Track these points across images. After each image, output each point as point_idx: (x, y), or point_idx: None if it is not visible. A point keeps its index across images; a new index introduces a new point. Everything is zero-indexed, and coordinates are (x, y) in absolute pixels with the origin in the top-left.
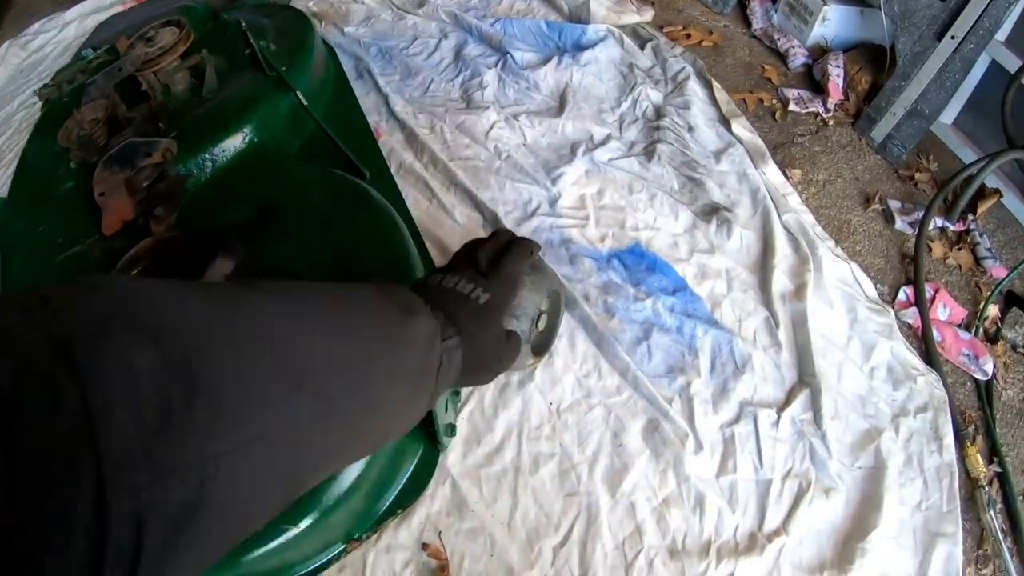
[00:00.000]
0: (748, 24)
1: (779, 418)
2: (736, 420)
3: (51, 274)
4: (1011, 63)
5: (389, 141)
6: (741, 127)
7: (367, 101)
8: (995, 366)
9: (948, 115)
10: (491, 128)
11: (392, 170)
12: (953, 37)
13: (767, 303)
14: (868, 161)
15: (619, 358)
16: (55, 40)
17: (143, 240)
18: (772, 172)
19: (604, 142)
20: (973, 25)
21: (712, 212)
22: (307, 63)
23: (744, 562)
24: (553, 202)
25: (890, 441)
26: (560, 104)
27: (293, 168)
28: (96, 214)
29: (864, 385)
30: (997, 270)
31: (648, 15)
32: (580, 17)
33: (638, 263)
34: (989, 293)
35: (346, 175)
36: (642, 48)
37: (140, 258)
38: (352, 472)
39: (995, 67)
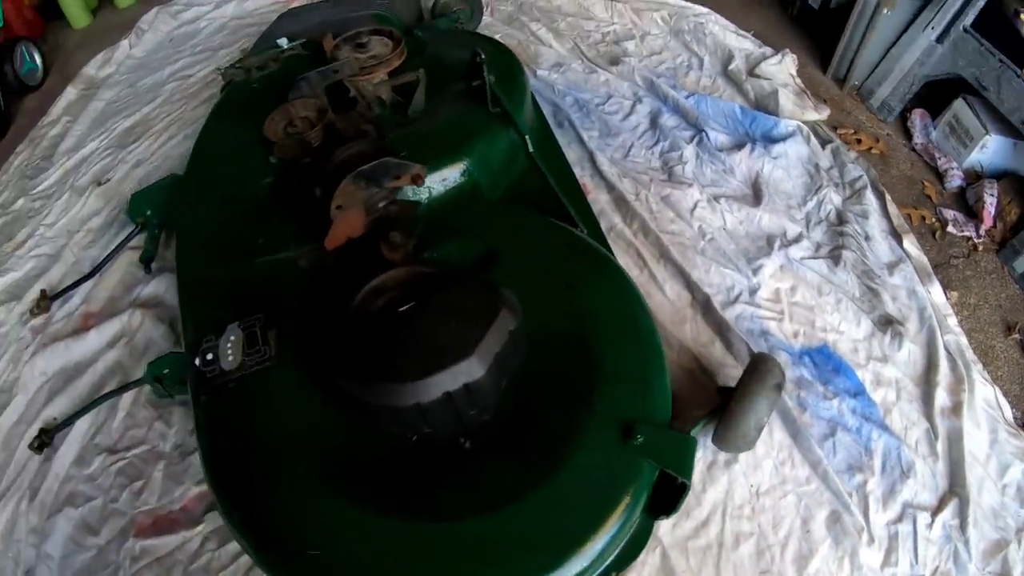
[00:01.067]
0: (908, 135)
1: (933, 521)
2: (899, 519)
3: (252, 275)
4: None
5: (597, 200)
6: (911, 244)
7: (570, 153)
8: None
9: None
10: (695, 207)
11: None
12: None
13: (928, 415)
14: (1009, 290)
15: (812, 451)
16: (210, 16)
17: (391, 269)
18: (936, 292)
19: (797, 240)
20: None
21: (887, 323)
22: (523, 102)
23: None
24: (753, 292)
25: (1014, 552)
26: (754, 193)
27: (523, 214)
28: (307, 220)
29: (997, 500)
30: None
31: (825, 113)
32: (767, 107)
33: (826, 363)
34: None
35: (581, 234)
36: (823, 147)
37: (385, 289)
38: (596, 546)
39: None
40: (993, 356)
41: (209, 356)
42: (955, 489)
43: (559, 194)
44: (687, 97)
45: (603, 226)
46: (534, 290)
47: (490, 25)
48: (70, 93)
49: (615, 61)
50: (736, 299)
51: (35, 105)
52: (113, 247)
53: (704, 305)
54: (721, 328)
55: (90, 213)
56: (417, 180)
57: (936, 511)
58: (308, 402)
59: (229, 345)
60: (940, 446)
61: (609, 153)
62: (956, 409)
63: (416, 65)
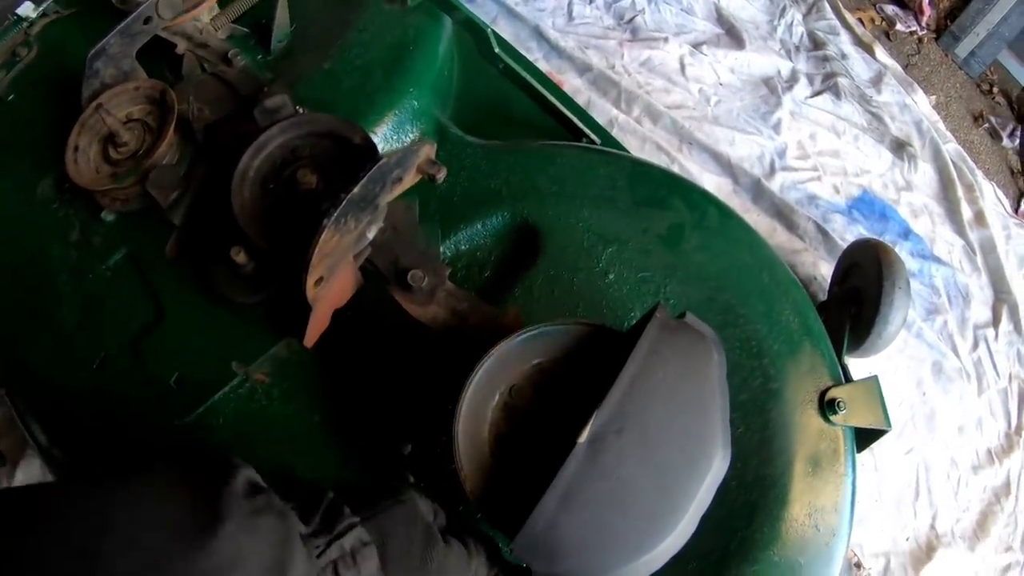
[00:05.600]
0: None
1: (997, 334)
2: (975, 346)
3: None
4: None
5: (574, 87)
6: (883, 54)
7: (502, 33)
8: None
9: None
10: (683, 66)
11: None
12: None
13: (960, 232)
14: (959, 77)
15: None
16: None
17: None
18: (922, 100)
19: (793, 79)
20: None
21: (900, 147)
22: None
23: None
24: (781, 153)
25: None
26: (728, 32)
27: (532, 149)
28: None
29: None
30: None
31: None
32: None
33: (871, 210)
34: None
35: (642, 160)
36: None
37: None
38: (845, 529)
39: None
40: (975, 150)
41: None
42: (1001, 296)
43: (551, 99)
44: None
45: (601, 122)
46: (626, 261)
47: None
48: None
49: None
50: (771, 168)
51: None
52: None
53: (753, 188)
54: (780, 210)
55: None
56: (431, 168)
57: (995, 323)
58: None
59: None
60: (979, 259)
61: (551, 20)
62: (979, 218)
63: None
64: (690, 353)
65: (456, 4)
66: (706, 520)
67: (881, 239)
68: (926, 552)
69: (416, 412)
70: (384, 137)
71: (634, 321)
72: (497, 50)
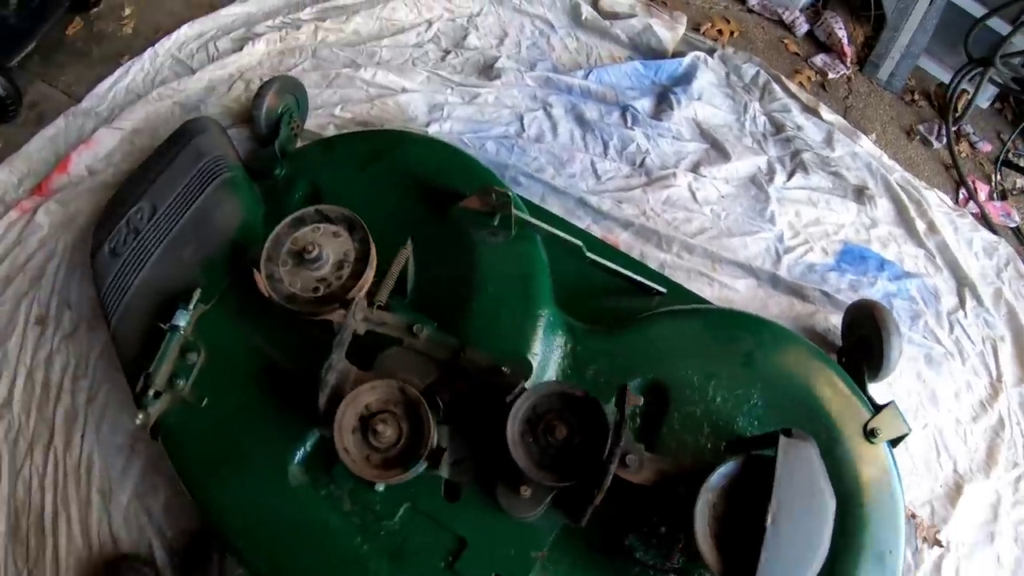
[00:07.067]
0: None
1: (965, 313)
2: (952, 329)
3: None
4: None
5: (624, 243)
6: (827, 112)
7: (551, 208)
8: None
9: None
10: (692, 192)
11: None
12: None
13: (920, 243)
14: (886, 99)
15: None
16: None
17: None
18: (865, 142)
19: (772, 170)
20: None
21: (860, 194)
22: (520, 204)
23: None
24: (780, 239)
25: (1007, 291)
26: (713, 145)
27: (647, 328)
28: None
29: (978, 266)
30: (984, 147)
31: (684, 20)
32: (650, 45)
33: (853, 257)
34: (995, 166)
35: (710, 308)
36: (712, 58)
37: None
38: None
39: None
40: (914, 164)
41: None
42: (961, 280)
43: (627, 275)
44: (586, 77)
45: (654, 266)
46: (725, 387)
47: (313, 98)
48: None
49: (484, 68)
50: (777, 255)
51: None
52: None
53: (770, 279)
54: (792, 290)
55: None
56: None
57: (962, 305)
58: None
59: None
60: (939, 260)
61: (584, 185)
62: (931, 227)
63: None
64: (803, 453)
65: (541, 227)
66: None
67: (870, 290)
68: (956, 491)
69: (640, 529)
70: (539, 352)
71: (740, 424)
72: (589, 254)
